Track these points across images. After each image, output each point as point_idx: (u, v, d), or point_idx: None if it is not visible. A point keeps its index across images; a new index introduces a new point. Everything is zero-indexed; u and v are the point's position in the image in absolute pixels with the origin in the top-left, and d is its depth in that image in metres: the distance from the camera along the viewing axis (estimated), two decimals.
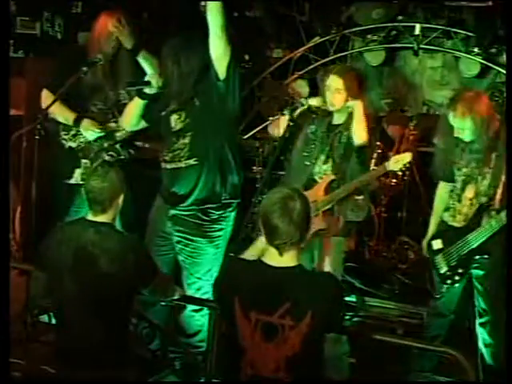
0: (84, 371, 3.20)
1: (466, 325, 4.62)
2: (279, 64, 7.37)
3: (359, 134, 4.20)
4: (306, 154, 4.40)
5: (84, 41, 5.35)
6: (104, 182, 3.28)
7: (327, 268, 4.19)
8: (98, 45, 4.64)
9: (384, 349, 4.06)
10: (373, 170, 4.70)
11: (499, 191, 4.01)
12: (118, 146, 4.80)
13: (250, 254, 3.17)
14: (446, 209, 4.26)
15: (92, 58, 4.57)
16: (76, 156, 4.79)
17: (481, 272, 4.15)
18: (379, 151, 6.01)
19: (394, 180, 6.24)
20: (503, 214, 3.92)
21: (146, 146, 5.55)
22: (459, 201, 4.17)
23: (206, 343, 3.99)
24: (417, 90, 7.18)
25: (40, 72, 5.32)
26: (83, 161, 4.77)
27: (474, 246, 4.07)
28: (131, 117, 4.30)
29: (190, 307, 4.12)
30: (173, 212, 4.13)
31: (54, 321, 3.66)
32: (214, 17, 3.75)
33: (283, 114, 4.31)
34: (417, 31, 6.73)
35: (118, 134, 4.76)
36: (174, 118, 4.05)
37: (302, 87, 7.05)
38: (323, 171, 4.33)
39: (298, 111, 4.29)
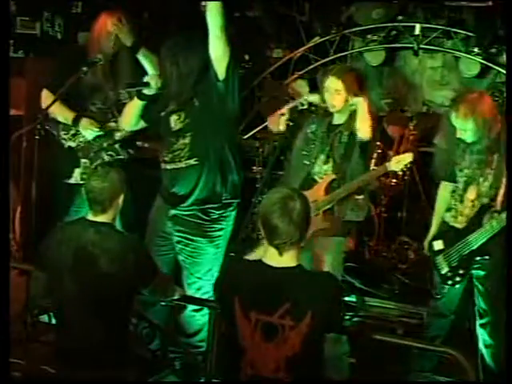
0: (84, 371, 3.20)
1: (467, 325, 4.62)
2: (279, 64, 7.36)
3: (363, 130, 4.19)
4: (305, 153, 4.40)
5: (84, 41, 5.35)
6: (104, 182, 3.28)
7: (327, 268, 4.18)
8: (98, 45, 4.65)
9: (384, 349, 4.06)
10: (373, 170, 4.70)
11: (501, 192, 4.00)
12: (117, 145, 4.80)
13: (256, 256, 3.16)
14: (448, 209, 4.26)
15: (92, 57, 4.58)
16: (75, 156, 4.79)
17: (481, 273, 4.15)
18: (379, 151, 6.02)
19: (394, 180, 6.24)
20: (504, 215, 3.92)
21: (146, 145, 5.55)
22: (461, 202, 4.17)
23: (206, 343, 3.99)
24: (417, 90, 7.18)
25: (40, 72, 5.32)
26: (83, 160, 4.78)
27: (474, 247, 4.07)
28: (130, 117, 4.30)
29: (191, 307, 4.12)
30: (173, 212, 4.13)
31: (54, 321, 3.67)
32: (214, 17, 3.75)
33: (283, 115, 4.31)
34: (417, 31, 6.73)
35: (117, 134, 4.76)
36: (173, 118, 4.05)
37: (302, 87, 7.05)
38: (324, 171, 4.33)
39: (296, 104, 4.29)
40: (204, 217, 4.06)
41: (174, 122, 4.05)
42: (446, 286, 4.22)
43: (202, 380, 4.08)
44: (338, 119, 4.34)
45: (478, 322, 4.22)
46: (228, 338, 2.93)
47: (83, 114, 4.71)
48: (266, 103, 7.29)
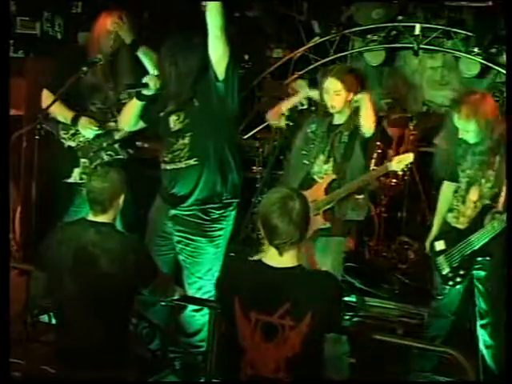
0: (84, 371, 3.20)
1: (467, 326, 4.62)
2: (279, 64, 7.37)
3: (367, 126, 4.20)
4: (305, 152, 4.40)
5: (84, 41, 5.35)
6: (105, 183, 3.29)
7: (327, 268, 4.18)
8: (98, 44, 4.65)
9: (384, 349, 4.06)
10: (374, 170, 4.70)
11: (502, 193, 4.00)
12: (116, 145, 4.80)
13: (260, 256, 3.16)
14: (450, 210, 4.25)
15: (92, 57, 4.58)
16: (75, 155, 4.79)
17: (482, 273, 4.14)
18: (379, 151, 6.02)
19: (394, 180, 6.24)
20: (505, 216, 3.92)
21: (146, 145, 5.55)
22: (463, 202, 4.16)
23: (206, 343, 3.99)
24: (417, 90, 7.18)
25: (40, 72, 5.32)
26: (82, 160, 4.77)
27: (476, 248, 4.07)
28: (129, 117, 4.30)
29: (191, 307, 4.13)
30: (173, 212, 4.13)
31: (54, 321, 3.67)
32: (214, 17, 3.75)
33: (283, 115, 4.31)
34: (417, 31, 6.73)
35: (116, 134, 4.76)
36: (172, 118, 4.05)
37: (302, 87, 7.03)
38: (324, 171, 4.33)
39: (296, 99, 4.28)
40: (204, 216, 4.07)
41: (174, 122, 4.05)
42: (447, 287, 4.22)
43: (202, 380, 4.08)
44: (338, 119, 4.34)
45: (479, 322, 4.22)
46: (228, 338, 2.93)
47: (83, 113, 4.71)
48: (266, 103, 7.28)
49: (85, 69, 4.50)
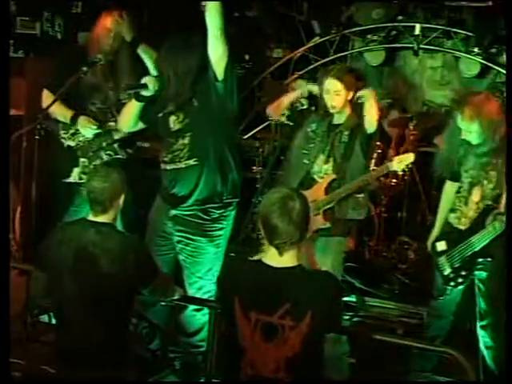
0: (84, 371, 3.20)
1: (467, 326, 4.62)
2: (279, 64, 7.37)
3: (370, 122, 4.20)
4: (305, 151, 4.40)
5: (84, 41, 5.35)
6: (105, 183, 3.28)
7: (327, 268, 4.18)
8: (98, 44, 4.65)
9: (384, 349, 4.06)
10: (374, 170, 4.70)
11: (504, 195, 3.99)
12: (116, 145, 4.80)
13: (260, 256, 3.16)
14: (452, 210, 4.24)
15: (92, 57, 4.58)
16: (75, 155, 4.79)
17: (484, 274, 4.14)
18: (379, 151, 6.02)
19: (394, 180, 6.25)
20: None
21: (146, 145, 5.55)
22: (466, 204, 4.15)
23: (206, 343, 3.99)
24: (417, 90, 7.18)
25: (40, 72, 5.32)
26: (81, 160, 4.78)
27: (477, 249, 4.07)
28: (128, 118, 4.29)
29: (192, 306, 4.12)
30: (173, 212, 4.12)
31: (54, 321, 3.67)
32: (213, 18, 3.75)
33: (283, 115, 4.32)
34: (417, 31, 6.73)
35: (116, 134, 4.76)
36: (172, 119, 4.05)
37: (302, 87, 7.04)
38: (324, 170, 4.33)
39: (296, 95, 4.28)
40: (204, 216, 4.06)
41: (173, 122, 4.05)
42: (449, 287, 4.21)
43: (202, 380, 4.08)
44: (338, 119, 4.34)
45: (479, 323, 4.22)
46: (228, 338, 2.93)
47: (82, 112, 4.71)
48: (266, 103, 7.28)
49: (85, 69, 4.50)
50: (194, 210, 4.06)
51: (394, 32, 7.02)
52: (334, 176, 4.29)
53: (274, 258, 2.82)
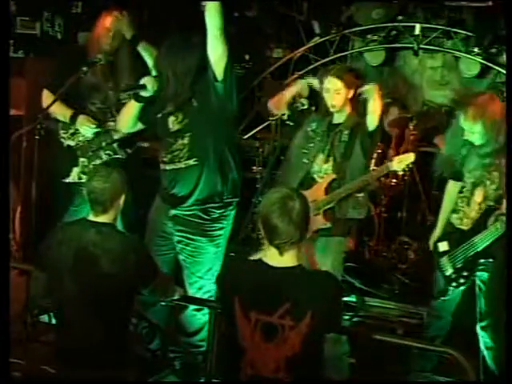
0: (84, 371, 3.20)
1: (467, 326, 4.61)
2: (279, 64, 7.37)
3: (372, 118, 4.20)
4: (304, 151, 4.40)
5: (84, 41, 5.35)
6: (105, 183, 3.28)
7: (327, 268, 4.18)
8: (98, 44, 4.65)
9: (384, 349, 4.06)
10: (374, 169, 4.70)
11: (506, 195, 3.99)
12: (115, 145, 4.80)
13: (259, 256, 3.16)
14: (455, 211, 4.24)
15: (92, 57, 4.58)
16: (74, 154, 4.79)
17: (485, 275, 4.14)
18: (379, 151, 6.02)
19: (394, 180, 6.24)
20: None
21: (145, 145, 5.55)
22: (468, 204, 4.14)
23: (206, 343, 3.99)
24: (417, 90, 7.19)
25: (40, 72, 5.32)
26: (81, 159, 4.78)
27: (479, 249, 4.06)
28: (127, 119, 4.29)
29: (192, 306, 4.12)
30: (173, 212, 4.12)
31: (54, 321, 3.67)
32: (213, 17, 3.74)
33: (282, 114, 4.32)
34: (417, 31, 6.73)
35: (116, 133, 4.75)
36: (171, 119, 4.04)
37: (303, 82, 7.04)
38: (324, 170, 4.33)
39: (297, 89, 4.29)
40: (205, 216, 4.06)
41: (172, 122, 4.04)
42: (450, 288, 4.21)
43: (202, 380, 4.08)
44: (338, 118, 4.34)
45: (480, 324, 4.22)
46: (228, 337, 2.93)
47: (81, 111, 4.71)
48: (266, 103, 7.28)
49: (85, 69, 4.50)
50: (193, 209, 4.06)
51: (393, 32, 7.02)
52: (334, 176, 4.29)
53: (274, 258, 2.82)
